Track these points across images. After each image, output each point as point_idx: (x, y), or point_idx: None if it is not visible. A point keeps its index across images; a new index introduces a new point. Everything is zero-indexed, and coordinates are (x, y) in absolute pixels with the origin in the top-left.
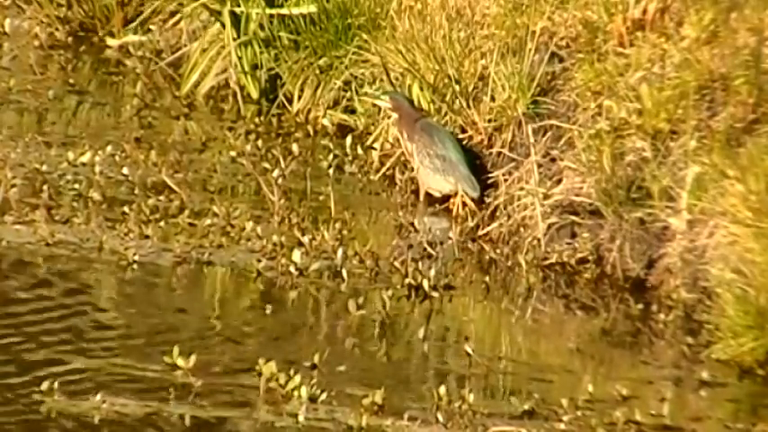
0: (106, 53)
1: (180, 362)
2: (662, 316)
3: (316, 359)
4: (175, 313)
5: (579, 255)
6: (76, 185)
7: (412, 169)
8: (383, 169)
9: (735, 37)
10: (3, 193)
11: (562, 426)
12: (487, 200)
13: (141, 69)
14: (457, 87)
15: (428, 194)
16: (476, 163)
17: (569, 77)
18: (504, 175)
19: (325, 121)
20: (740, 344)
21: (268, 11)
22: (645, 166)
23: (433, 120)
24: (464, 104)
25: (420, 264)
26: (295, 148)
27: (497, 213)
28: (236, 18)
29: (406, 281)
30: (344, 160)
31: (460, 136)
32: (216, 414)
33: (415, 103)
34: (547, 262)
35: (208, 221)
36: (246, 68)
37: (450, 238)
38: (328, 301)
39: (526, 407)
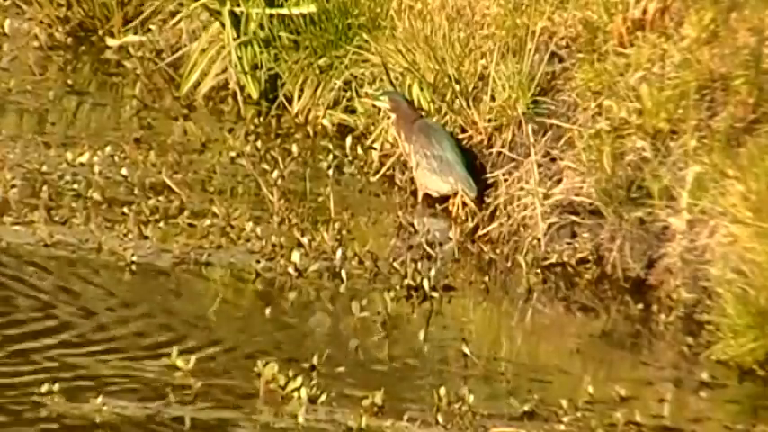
0: (106, 54)
1: (180, 363)
2: (662, 316)
3: (315, 360)
4: (174, 314)
5: (579, 255)
6: (76, 186)
7: (412, 169)
8: (383, 170)
9: (735, 37)
10: (2, 193)
11: (562, 427)
12: (487, 200)
13: (141, 70)
14: (457, 87)
15: (426, 195)
16: (474, 163)
17: (569, 77)
18: (504, 175)
19: (325, 122)
20: (740, 344)
21: (268, 11)
22: (645, 166)
23: (431, 120)
24: (464, 104)
25: (419, 264)
26: (295, 148)
27: (497, 213)
28: (236, 18)
29: (406, 282)
30: (344, 161)
31: (460, 136)
32: (216, 415)
33: (415, 103)
34: (547, 262)
35: (207, 222)
36: (246, 68)
37: (449, 239)
38: (328, 302)
39: (526, 408)
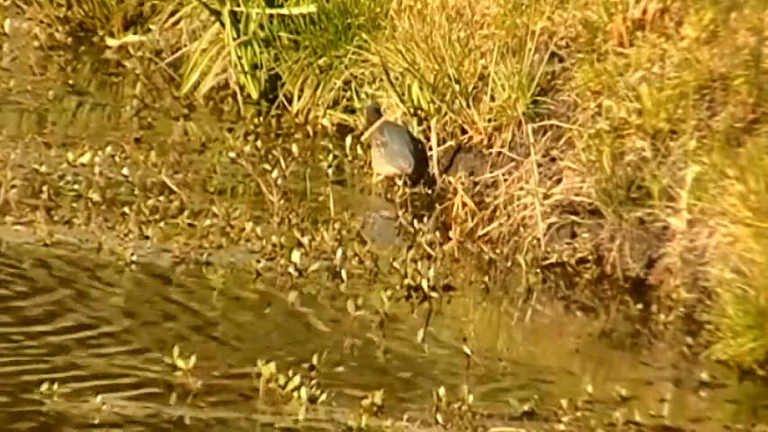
0: (106, 54)
1: (180, 363)
2: (662, 316)
3: (315, 360)
4: (174, 314)
5: (579, 255)
6: (76, 186)
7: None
8: None
9: (735, 37)
10: (3, 194)
11: (562, 427)
12: (487, 200)
13: (141, 70)
14: (457, 87)
15: (387, 180)
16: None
17: (569, 77)
18: (504, 175)
19: (325, 122)
20: (740, 344)
21: (268, 11)
22: (645, 166)
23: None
24: (464, 104)
25: (419, 264)
26: (295, 148)
27: (497, 213)
28: (236, 18)
29: (405, 281)
30: (344, 161)
31: (461, 136)
32: (215, 415)
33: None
34: (547, 262)
35: (207, 222)
36: (246, 68)
37: (449, 239)
38: (328, 301)
39: (526, 408)
